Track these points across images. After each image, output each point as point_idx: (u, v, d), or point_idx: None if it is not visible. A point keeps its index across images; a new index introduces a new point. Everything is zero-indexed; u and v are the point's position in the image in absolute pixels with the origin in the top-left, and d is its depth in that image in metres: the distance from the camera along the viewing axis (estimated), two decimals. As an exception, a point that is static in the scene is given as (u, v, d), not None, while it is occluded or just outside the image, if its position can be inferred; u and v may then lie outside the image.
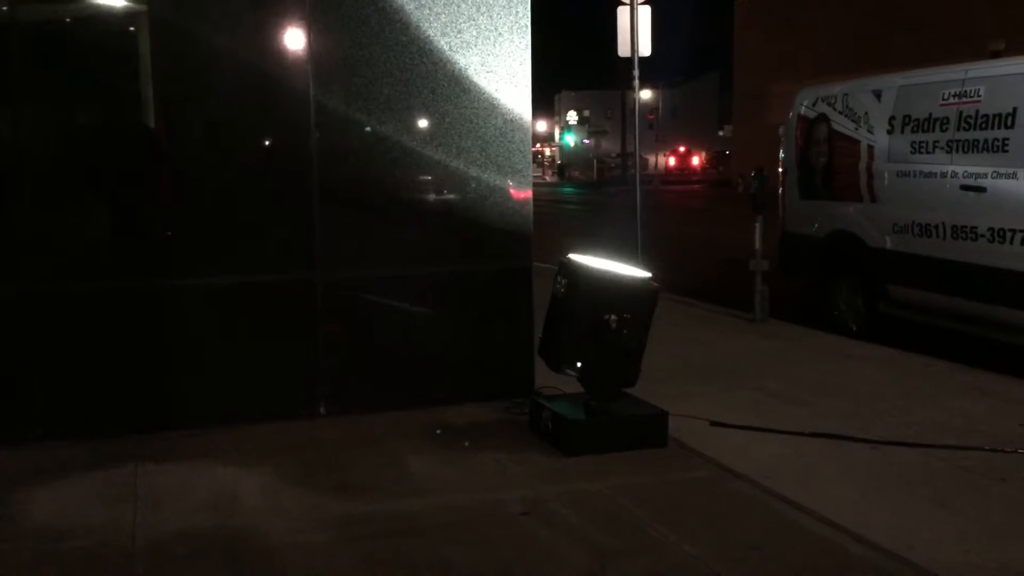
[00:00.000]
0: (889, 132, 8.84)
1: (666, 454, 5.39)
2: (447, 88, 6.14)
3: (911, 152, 8.56)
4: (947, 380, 7.18)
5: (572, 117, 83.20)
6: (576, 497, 4.72)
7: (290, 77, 5.85)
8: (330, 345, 6.06)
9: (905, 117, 8.66)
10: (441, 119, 6.17)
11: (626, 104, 60.34)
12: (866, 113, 9.18)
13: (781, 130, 10.81)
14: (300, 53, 5.85)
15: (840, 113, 9.56)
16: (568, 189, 55.06)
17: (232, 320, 5.86)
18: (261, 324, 5.92)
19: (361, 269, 6.09)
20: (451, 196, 6.22)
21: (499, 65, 6.23)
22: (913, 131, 8.56)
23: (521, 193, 6.38)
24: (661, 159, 77.43)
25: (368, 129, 6.02)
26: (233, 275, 5.83)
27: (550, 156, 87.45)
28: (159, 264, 5.73)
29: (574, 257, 5.46)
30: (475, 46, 6.16)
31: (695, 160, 73.84)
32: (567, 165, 73.23)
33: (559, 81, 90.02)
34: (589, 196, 43.60)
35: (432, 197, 6.19)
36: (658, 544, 4.17)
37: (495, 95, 6.24)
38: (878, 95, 9.08)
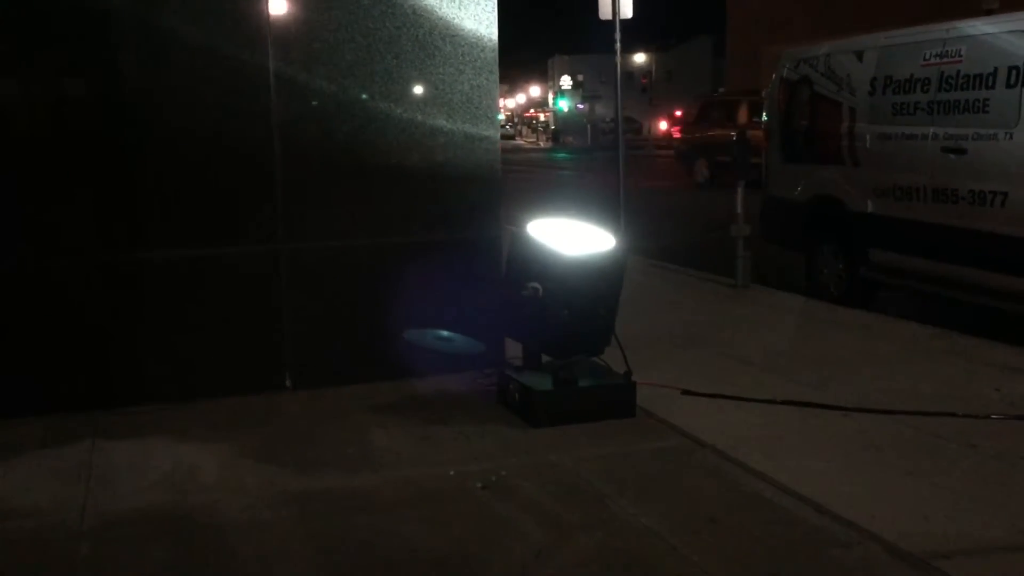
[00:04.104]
0: (870, 94, 8.70)
1: (634, 424, 5.32)
2: (411, 53, 6.00)
3: (892, 114, 8.42)
4: (925, 345, 7.11)
5: (566, 82, 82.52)
6: (538, 470, 4.65)
7: (247, 41, 5.68)
8: (295, 317, 5.96)
9: (887, 78, 8.51)
10: (405, 85, 6.03)
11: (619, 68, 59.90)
12: (848, 75, 9.03)
13: (764, 93, 10.65)
14: (257, 16, 5.70)
15: (822, 75, 9.41)
16: (561, 155, 54.72)
17: (193, 293, 5.76)
18: (223, 297, 5.81)
19: (325, 239, 5.97)
20: (417, 164, 6.09)
21: (465, 29, 6.09)
22: (894, 92, 8.41)
23: (489, 160, 6.25)
24: (662, 124, 76.70)
25: (330, 96, 5.87)
26: (193, 247, 5.72)
27: (544, 121, 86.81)
28: (116, 238, 5.61)
29: (531, 225, 5.35)
30: (440, 9, 6.01)
31: (687, 123, 73.31)
32: (561, 131, 72.72)
33: (553, 45, 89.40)
34: (581, 162, 43.34)
35: (397, 165, 6.05)
36: (616, 517, 4.10)
37: (461, 60, 6.10)
38: (860, 56, 8.92)
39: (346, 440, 5.11)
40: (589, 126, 64.63)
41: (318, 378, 5.98)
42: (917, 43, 8.24)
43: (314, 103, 5.87)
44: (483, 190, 6.23)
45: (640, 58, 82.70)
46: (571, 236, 5.33)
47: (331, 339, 6.03)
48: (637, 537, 3.92)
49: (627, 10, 11.22)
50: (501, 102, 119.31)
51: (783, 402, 5.64)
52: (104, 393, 5.58)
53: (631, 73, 77.79)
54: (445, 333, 5.73)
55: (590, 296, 5.16)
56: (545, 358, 5.59)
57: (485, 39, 6.12)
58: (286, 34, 5.75)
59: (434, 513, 4.18)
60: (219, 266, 5.78)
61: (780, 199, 10.14)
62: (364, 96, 5.93)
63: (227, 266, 5.80)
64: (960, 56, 7.71)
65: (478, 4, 6.07)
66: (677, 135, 29.07)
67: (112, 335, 5.64)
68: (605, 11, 11.24)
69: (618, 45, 11.29)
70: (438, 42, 6.04)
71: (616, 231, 6.00)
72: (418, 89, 6.04)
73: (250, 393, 5.80)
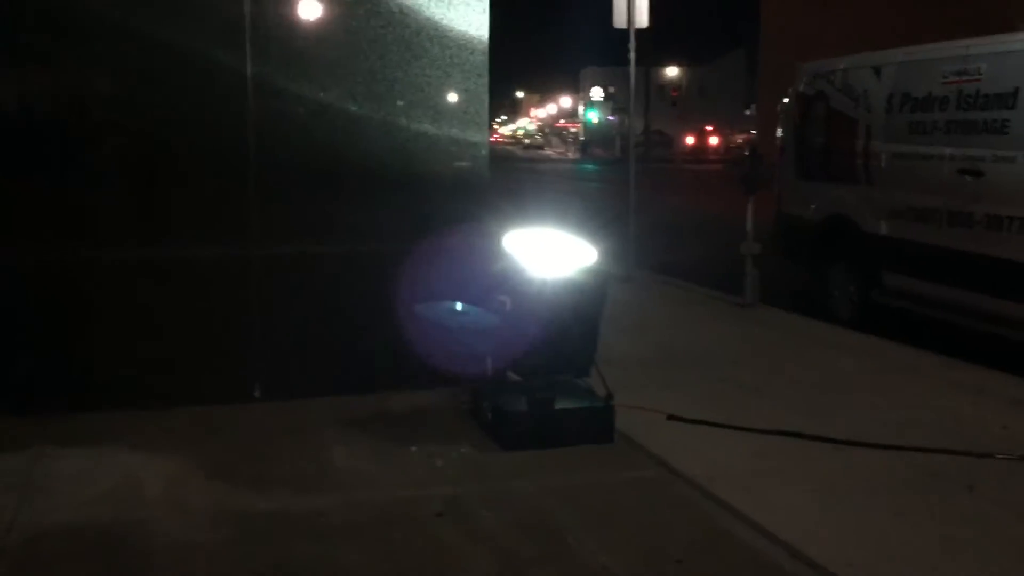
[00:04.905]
0: (887, 111, 8.39)
1: (610, 451, 5.03)
2: (396, 54, 5.77)
3: (909, 133, 8.11)
4: (934, 375, 6.76)
5: (597, 94, 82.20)
6: (500, 496, 4.38)
7: (225, 36, 5.48)
8: (266, 325, 5.73)
9: (904, 95, 8.20)
10: (390, 87, 5.79)
11: (650, 81, 59.51)
12: (865, 91, 8.73)
13: (779, 108, 10.36)
14: (235, 12, 5.48)
15: (839, 91, 9.10)
16: (589, 166, 54.45)
17: (160, 296, 5.54)
18: (191, 301, 5.59)
19: (300, 245, 5.74)
20: (399, 169, 5.84)
21: (454, 30, 5.85)
22: (911, 111, 8.10)
23: (476, 167, 6.01)
24: (690, 138, 76.13)
25: (309, 96, 5.65)
26: (161, 248, 5.51)
27: (574, 133, 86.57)
28: (81, 237, 5.41)
29: (508, 235, 5.09)
30: (428, 9, 5.78)
31: (713, 140, 72.49)
32: (590, 142, 72.49)
33: (585, 57, 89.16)
34: (609, 173, 43.02)
35: (378, 170, 5.81)
36: (573, 553, 3.82)
37: (449, 62, 5.86)
38: (877, 72, 8.61)
39: (305, 457, 4.86)
40: (618, 138, 64.32)
41: (289, 389, 5.73)
42: (935, 59, 7.92)
43: (292, 103, 5.64)
44: (469, 198, 5.97)
45: (672, 71, 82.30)
46: (551, 249, 5.06)
47: (303, 349, 5.79)
48: (592, 576, 3.64)
49: (643, 19, 10.93)
50: (532, 112, 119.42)
51: (773, 432, 5.33)
52: (60, 398, 5.34)
53: (662, 86, 77.44)
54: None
55: (562, 314, 4.88)
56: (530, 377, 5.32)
57: (475, 41, 5.88)
58: (265, 31, 5.54)
59: (382, 540, 3.93)
60: (187, 268, 5.57)
61: (793, 217, 9.83)
62: (345, 97, 5.70)
63: (196, 269, 5.58)
64: (979, 74, 7.38)
65: (468, 5, 5.83)
66: None
67: (71, 337, 5.43)
68: (620, 19, 10.95)
69: (632, 55, 11.00)
70: (425, 43, 5.80)
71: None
72: (402, 91, 5.80)
73: (217, 403, 5.57)
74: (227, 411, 5.51)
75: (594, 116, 79.37)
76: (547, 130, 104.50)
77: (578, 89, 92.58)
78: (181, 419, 5.35)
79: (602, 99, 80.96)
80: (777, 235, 10.08)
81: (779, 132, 10.22)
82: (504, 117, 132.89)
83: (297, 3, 5.60)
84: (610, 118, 77.10)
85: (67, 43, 5.38)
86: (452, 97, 5.90)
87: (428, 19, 5.77)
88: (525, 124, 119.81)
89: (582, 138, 78.48)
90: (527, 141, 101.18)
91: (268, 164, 5.61)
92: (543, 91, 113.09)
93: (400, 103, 5.81)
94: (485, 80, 5.96)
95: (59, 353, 5.41)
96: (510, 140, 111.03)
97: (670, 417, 5.52)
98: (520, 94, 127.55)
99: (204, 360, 5.62)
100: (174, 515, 4.13)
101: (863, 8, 32.53)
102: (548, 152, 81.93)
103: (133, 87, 5.46)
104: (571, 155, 73.72)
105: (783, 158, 10.06)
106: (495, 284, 5.02)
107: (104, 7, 5.34)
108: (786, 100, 10.12)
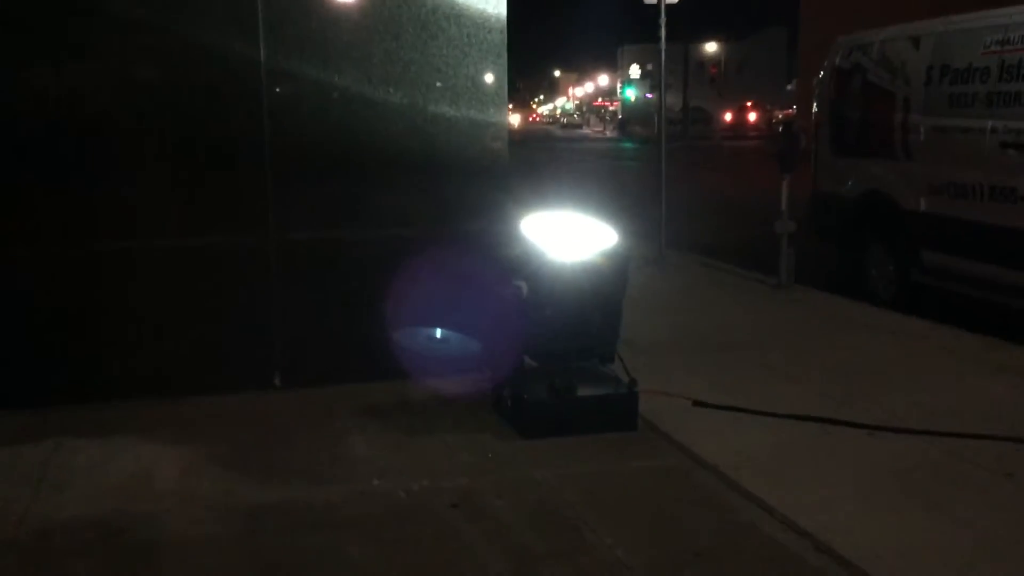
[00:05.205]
0: (926, 84, 8.10)
1: (633, 439, 4.90)
2: (412, 34, 5.63)
3: (949, 105, 7.82)
4: (976, 357, 6.53)
5: (635, 71, 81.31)
6: (517, 487, 4.27)
7: (237, 19, 5.38)
8: (286, 313, 5.66)
9: (943, 67, 7.91)
10: (406, 68, 5.67)
11: (689, 57, 58.77)
12: (903, 63, 8.44)
13: (815, 82, 10.08)
14: (248, -7, 5.40)
15: (876, 63, 8.82)
16: (627, 144, 53.96)
17: (178, 285, 5.48)
18: (210, 290, 5.53)
19: (319, 231, 5.66)
20: (418, 152, 5.72)
21: (471, 8, 5.70)
22: (951, 82, 7.81)
23: (496, 148, 5.87)
24: (728, 115, 75.09)
25: (324, 80, 5.54)
26: (179, 238, 5.45)
27: (612, 111, 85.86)
28: (99, 227, 5.36)
29: (526, 219, 4.95)
30: (444, -13, 5.65)
31: (752, 116, 71.25)
32: (628, 120, 71.78)
33: (623, 35, 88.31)
34: (648, 151, 42.58)
35: (396, 154, 5.70)
36: (590, 548, 3.70)
37: (467, 41, 5.72)
38: (916, 43, 8.32)
39: (321, 447, 4.78)
40: (656, 115, 63.56)
41: (309, 377, 5.67)
42: (976, 29, 7.63)
43: (308, 87, 5.53)
44: (489, 180, 5.84)
45: (711, 48, 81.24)
46: (570, 232, 4.92)
47: (324, 336, 5.72)
48: (608, 572, 3.52)
49: (672, -6, 10.68)
50: (570, 91, 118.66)
51: (804, 417, 5.17)
52: (83, 388, 5.32)
53: (701, 63, 76.50)
54: (439, 333, 5.35)
55: (579, 299, 4.74)
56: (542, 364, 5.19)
57: (492, 19, 5.73)
58: (278, 13, 5.43)
59: (393, 533, 3.84)
60: (206, 257, 5.50)
61: (829, 194, 9.57)
62: (361, 80, 5.58)
63: (214, 258, 5.52)
64: (1022, 44, 7.08)
65: (485, -18, 5.68)
66: None
67: (93, 328, 5.40)
68: (649, -6, 10.72)
69: (663, 31, 10.80)
70: (441, 22, 5.66)
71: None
72: (419, 72, 5.67)
73: (237, 391, 5.51)
74: (246, 400, 5.45)
75: (631, 94, 78.47)
76: (585, 109, 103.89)
77: (616, 67, 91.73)
78: (199, 409, 5.30)
79: (639, 77, 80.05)
80: (813, 213, 9.84)
81: (814, 107, 9.94)
82: (542, 96, 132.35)
83: (310, -16, 5.49)
84: (648, 96, 76.23)
85: (75, 33, 5.31)
86: (470, 78, 5.75)
87: (444, -3, 5.64)
88: (563, 103, 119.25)
89: (620, 116, 77.80)
90: (565, 120, 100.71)
91: (284, 151, 5.52)
92: (581, 70, 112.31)
93: (416, 85, 5.67)
94: (504, 59, 5.81)
95: (78, 344, 5.38)
96: (548, 120, 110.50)
97: (696, 403, 5.37)
98: (557, 73, 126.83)
99: (223, 349, 5.56)
100: (185, 508, 4.07)
101: (906, -21, 31.81)
102: (586, 131, 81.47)
103: (143, 74, 5.38)
104: (609, 133, 73.16)
105: (819, 134, 9.80)
106: (517, 264, 4.88)
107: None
108: (822, 74, 9.83)
